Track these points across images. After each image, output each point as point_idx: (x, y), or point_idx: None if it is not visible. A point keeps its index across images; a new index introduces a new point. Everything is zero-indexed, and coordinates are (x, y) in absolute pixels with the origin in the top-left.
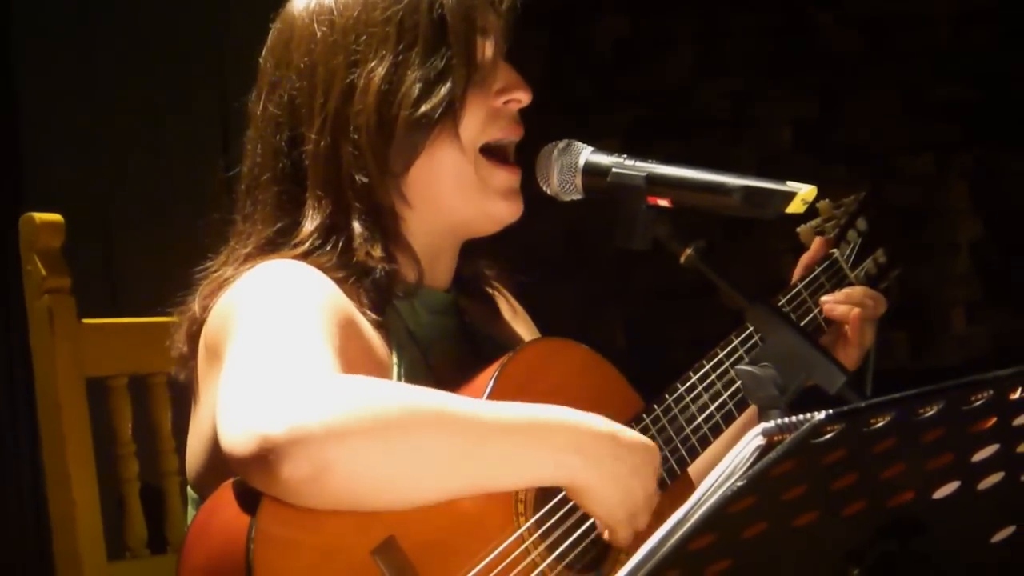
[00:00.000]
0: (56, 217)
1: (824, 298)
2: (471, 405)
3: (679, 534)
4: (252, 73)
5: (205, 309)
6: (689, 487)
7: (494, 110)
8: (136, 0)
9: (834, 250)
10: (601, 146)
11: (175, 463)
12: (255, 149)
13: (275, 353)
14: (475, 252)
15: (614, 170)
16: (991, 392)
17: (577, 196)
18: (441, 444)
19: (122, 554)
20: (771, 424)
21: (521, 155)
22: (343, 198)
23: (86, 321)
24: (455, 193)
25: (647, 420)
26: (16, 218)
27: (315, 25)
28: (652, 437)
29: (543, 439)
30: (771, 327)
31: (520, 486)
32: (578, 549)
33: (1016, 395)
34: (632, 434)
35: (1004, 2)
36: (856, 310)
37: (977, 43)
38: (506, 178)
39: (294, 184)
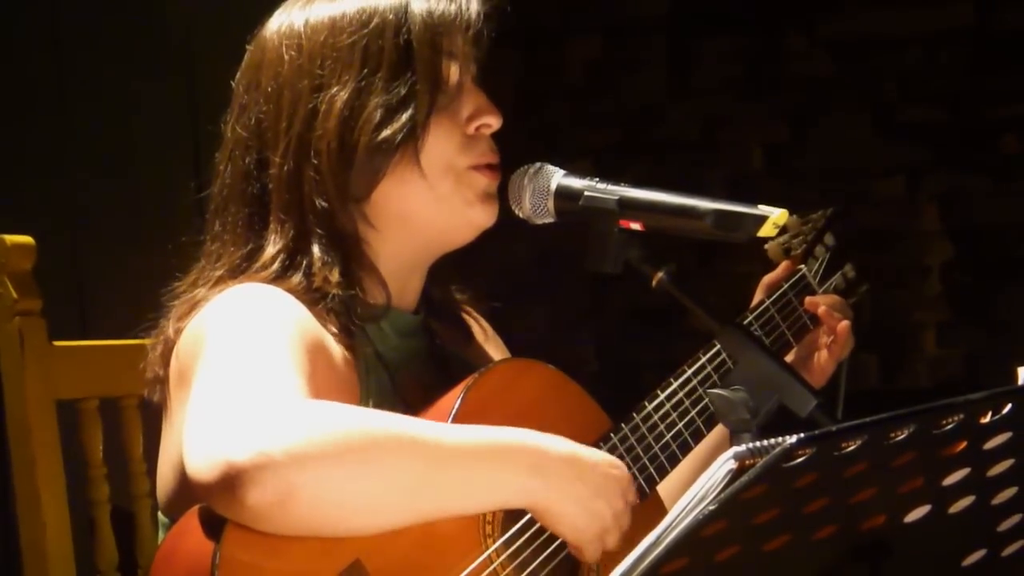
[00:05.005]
0: (27, 239)
1: (814, 299)
2: (434, 430)
3: (651, 558)
4: (224, 95)
5: (177, 331)
6: (659, 506)
7: (467, 138)
8: (107, 20)
9: (801, 266)
10: (573, 169)
11: (146, 486)
12: (225, 171)
13: (241, 379)
14: (445, 276)
15: (586, 193)
16: (962, 416)
17: (549, 219)
18: (404, 469)
19: None
20: (743, 448)
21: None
22: (304, 222)
23: (57, 343)
24: (428, 209)
25: (615, 439)
26: None
27: (284, 49)
28: (620, 456)
29: (505, 462)
30: (742, 350)
31: (484, 510)
32: (548, 568)
33: (987, 419)
34: (596, 454)
35: (974, 25)
36: (846, 322)
37: (947, 66)
38: (487, 183)
39: (262, 206)
